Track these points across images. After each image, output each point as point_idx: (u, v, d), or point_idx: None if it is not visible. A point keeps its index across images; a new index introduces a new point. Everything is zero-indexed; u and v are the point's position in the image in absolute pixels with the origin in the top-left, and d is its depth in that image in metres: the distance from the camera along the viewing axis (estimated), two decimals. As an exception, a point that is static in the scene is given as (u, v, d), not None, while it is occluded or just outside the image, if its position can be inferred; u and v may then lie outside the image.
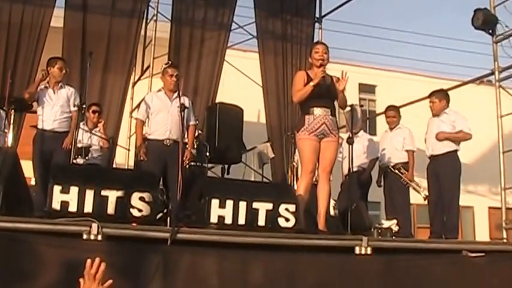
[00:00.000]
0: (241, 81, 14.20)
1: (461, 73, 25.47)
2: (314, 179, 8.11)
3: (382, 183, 10.71)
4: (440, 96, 9.93)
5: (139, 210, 6.18)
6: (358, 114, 10.49)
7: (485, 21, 10.46)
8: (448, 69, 32.47)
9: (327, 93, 7.80)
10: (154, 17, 12.92)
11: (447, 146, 9.59)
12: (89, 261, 3.30)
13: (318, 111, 7.68)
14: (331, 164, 7.90)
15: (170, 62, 9.28)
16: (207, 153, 9.67)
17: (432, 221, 9.68)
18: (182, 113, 8.13)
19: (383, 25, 45.10)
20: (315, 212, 7.75)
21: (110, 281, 3.33)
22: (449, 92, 10.34)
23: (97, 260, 3.30)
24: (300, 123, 7.78)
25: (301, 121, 7.79)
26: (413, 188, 10.21)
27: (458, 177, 9.59)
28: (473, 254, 7.20)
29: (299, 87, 7.82)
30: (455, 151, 9.64)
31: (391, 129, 10.72)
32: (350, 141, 8.77)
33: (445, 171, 9.53)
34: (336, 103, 8.02)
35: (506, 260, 7.43)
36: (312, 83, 7.67)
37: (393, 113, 10.76)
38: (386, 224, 9.32)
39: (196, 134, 9.62)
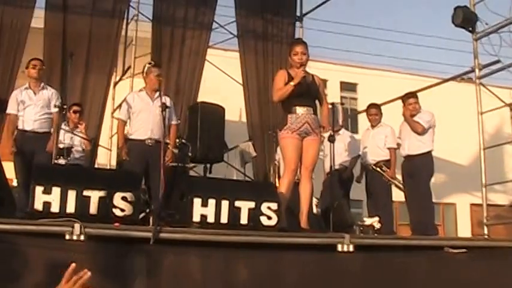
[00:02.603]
0: (222, 80, 14.20)
1: (442, 70, 25.58)
2: (296, 178, 8.12)
3: (363, 180, 10.75)
4: (417, 98, 10.01)
5: (122, 210, 6.17)
6: (340, 112, 10.52)
7: (466, 18, 10.54)
8: (429, 67, 32.53)
9: (308, 92, 7.82)
10: (135, 17, 12.91)
11: (423, 147, 9.67)
12: (73, 265, 3.27)
13: (300, 110, 7.69)
14: (314, 162, 7.91)
15: (154, 62, 9.28)
16: (189, 153, 9.66)
17: (411, 219, 9.77)
18: (164, 113, 8.13)
19: (364, 23, 45.17)
20: (298, 210, 7.77)
21: None
22: (431, 90, 10.41)
23: (85, 270, 3.27)
24: (283, 122, 7.80)
25: (283, 120, 7.80)
26: (396, 186, 10.27)
27: (431, 177, 9.69)
28: (455, 250, 7.24)
29: (279, 86, 7.83)
30: (430, 152, 9.71)
31: (372, 126, 10.76)
32: (331, 139, 8.80)
33: (421, 171, 9.63)
34: (316, 101, 8.04)
35: (487, 256, 7.48)
36: (292, 83, 7.68)
37: (375, 110, 10.80)
38: (368, 221, 9.36)
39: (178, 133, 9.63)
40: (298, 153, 7.73)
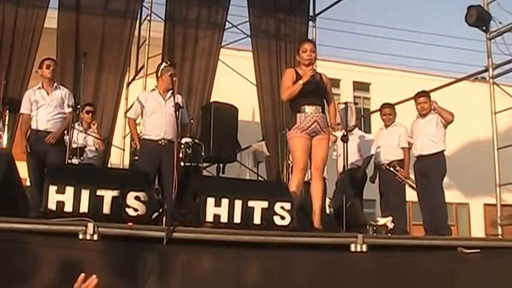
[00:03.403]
0: (235, 80, 14.19)
1: (455, 70, 25.48)
2: (307, 177, 8.10)
3: (377, 180, 10.73)
4: (428, 97, 9.96)
5: (135, 210, 6.18)
6: (353, 112, 10.49)
7: (479, 18, 10.49)
8: (442, 67, 32.41)
9: (316, 90, 7.80)
10: (148, 17, 12.92)
11: (436, 147, 9.63)
12: (82, 275, 3.29)
13: (309, 109, 7.66)
14: (324, 162, 7.89)
15: (169, 62, 9.28)
16: (202, 153, 9.66)
17: (424, 219, 9.74)
18: (177, 113, 8.14)
19: (377, 23, 45.04)
20: (309, 210, 7.75)
21: None
22: (444, 89, 10.37)
23: (93, 276, 3.29)
24: (292, 122, 7.77)
25: (292, 119, 7.78)
26: (409, 185, 10.24)
27: (444, 177, 9.66)
28: (468, 251, 7.20)
29: (288, 85, 7.81)
30: (442, 152, 9.67)
31: (386, 126, 10.73)
32: (344, 139, 8.80)
33: (433, 172, 9.59)
34: (325, 100, 8.02)
35: (501, 256, 7.44)
36: (301, 82, 7.67)
37: (388, 110, 10.77)
38: (381, 221, 9.34)
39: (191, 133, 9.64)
40: (307, 153, 7.70)
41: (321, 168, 7.86)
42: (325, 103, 8.03)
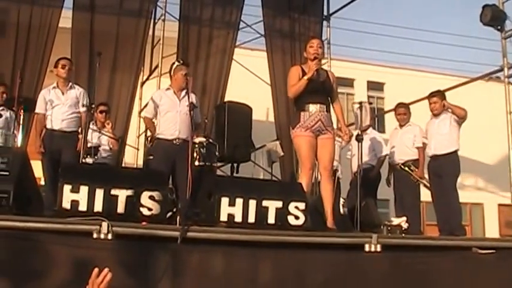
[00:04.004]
0: (249, 80, 14.20)
1: (470, 69, 25.41)
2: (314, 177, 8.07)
3: (391, 181, 10.71)
4: (441, 97, 9.92)
5: (149, 209, 6.18)
6: (367, 111, 10.47)
7: (494, 17, 10.44)
8: (456, 66, 32.34)
9: (321, 89, 7.77)
10: (162, 17, 12.95)
11: (449, 147, 9.59)
12: (96, 269, 3.30)
13: (313, 107, 7.64)
14: (331, 161, 7.87)
15: (182, 61, 9.29)
16: (216, 152, 9.66)
17: (438, 219, 9.71)
18: (191, 112, 8.15)
19: (391, 23, 44.95)
20: (322, 210, 7.72)
21: None
22: (459, 89, 10.32)
23: (106, 270, 3.30)
24: (295, 120, 7.74)
25: (296, 118, 7.75)
26: (424, 185, 10.20)
27: (457, 177, 9.62)
28: (483, 251, 7.18)
29: (294, 81, 7.79)
30: (456, 151, 9.62)
31: (401, 126, 10.70)
32: (359, 138, 8.77)
33: (447, 172, 9.56)
34: (330, 99, 7.98)
35: (515, 257, 7.41)
36: (306, 77, 7.64)
37: (403, 110, 10.74)
38: (395, 221, 9.30)
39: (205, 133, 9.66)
40: (313, 151, 7.67)
41: (329, 168, 7.83)
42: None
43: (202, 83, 12.77)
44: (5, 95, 9.60)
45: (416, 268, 6.73)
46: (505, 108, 10.51)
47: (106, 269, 3.30)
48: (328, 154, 7.75)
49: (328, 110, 7.79)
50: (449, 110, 9.71)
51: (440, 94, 10.00)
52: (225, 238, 6.12)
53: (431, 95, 10.03)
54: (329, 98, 7.93)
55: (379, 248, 6.61)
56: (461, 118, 9.65)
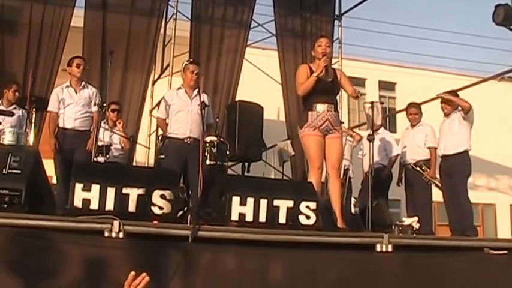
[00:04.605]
0: (260, 79, 14.20)
1: (482, 69, 25.33)
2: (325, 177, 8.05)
3: (403, 180, 10.68)
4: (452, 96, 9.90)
5: (160, 208, 6.19)
6: (379, 111, 10.44)
7: (506, 17, 10.40)
8: (468, 66, 32.21)
9: (329, 88, 7.75)
10: (174, 16, 12.98)
11: (459, 146, 9.55)
12: (132, 273, 3.31)
13: (320, 107, 7.61)
14: (339, 161, 7.84)
15: (192, 59, 9.31)
16: (227, 151, 9.67)
17: (450, 220, 9.68)
18: (203, 111, 8.16)
19: (403, 22, 44.87)
20: (331, 210, 7.71)
21: None
22: (471, 89, 10.29)
23: (143, 274, 3.31)
24: (303, 120, 7.72)
25: (304, 117, 7.74)
26: (436, 185, 10.16)
27: (468, 177, 9.58)
28: (495, 252, 7.15)
29: (302, 80, 7.76)
30: (467, 151, 9.58)
31: (412, 126, 10.66)
32: (370, 138, 8.76)
33: (458, 172, 9.51)
34: (338, 97, 7.98)
35: (528, 257, 7.38)
36: (315, 74, 7.62)
37: (415, 110, 10.71)
38: (407, 221, 9.28)
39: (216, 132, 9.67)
40: (321, 151, 7.65)
41: (337, 167, 7.80)
42: (339, 100, 7.97)
43: (214, 82, 12.80)
44: (17, 94, 9.64)
45: (427, 268, 6.71)
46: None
47: (144, 274, 3.31)
48: (336, 153, 7.73)
49: (336, 110, 7.76)
50: (459, 107, 9.66)
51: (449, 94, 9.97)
52: (236, 237, 6.12)
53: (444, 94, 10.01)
54: (337, 98, 7.92)
55: (390, 248, 6.59)
56: (467, 110, 9.59)
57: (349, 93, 8.09)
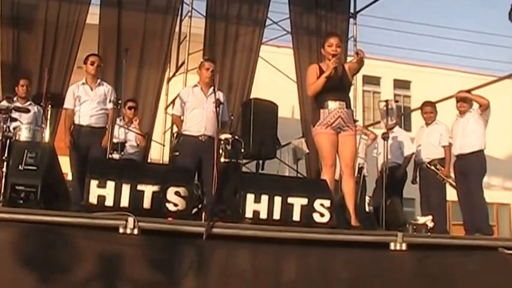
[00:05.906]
0: (275, 77, 14.20)
1: (497, 68, 25.22)
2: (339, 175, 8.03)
3: (417, 179, 10.66)
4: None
5: (175, 205, 6.20)
6: (394, 109, 10.42)
7: (522, 16, 10.36)
8: (483, 65, 32.13)
9: (340, 85, 7.68)
10: (189, 13, 13.00)
11: (474, 145, 9.52)
12: None
13: (332, 104, 7.55)
14: (353, 158, 7.78)
15: (206, 57, 9.34)
16: (242, 149, 9.67)
17: (464, 219, 9.66)
18: (218, 109, 8.18)
19: (418, 20, 44.74)
20: (345, 208, 7.69)
21: None
22: (486, 88, 10.24)
23: None
24: (316, 118, 7.67)
25: (316, 115, 7.69)
26: (450, 184, 10.13)
27: (483, 177, 9.55)
28: (510, 251, 7.12)
29: (312, 80, 7.72)
30: (482, 150, 9.55)
31: (427, 124, 10.64)
32: (385, 136, 8.75)
33: (473, 171, 9.49)
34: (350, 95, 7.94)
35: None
36: (324, 75, 7.58)
37: (430, 108, 10.67)
38: (421, 220, 9.27)
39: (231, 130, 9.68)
40: (334, 148, 7.60)
41: (351, 165, 7.74)
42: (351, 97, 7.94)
43: (229, 80, 12.82)
44: (27, 88, 9.71)
45: (441, 267, 6.70)
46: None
47: None
48: (349, 151, 7.67)
49: (348, 107, 7.70)
50: (473, 106, 9.64)
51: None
52: (250, 235, 6.12)
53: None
54: (349, 95, 7.89)
55: (404, 247, 6.58)
56: (485, 107, 9.56)
57: (356, 61, 7.85)
